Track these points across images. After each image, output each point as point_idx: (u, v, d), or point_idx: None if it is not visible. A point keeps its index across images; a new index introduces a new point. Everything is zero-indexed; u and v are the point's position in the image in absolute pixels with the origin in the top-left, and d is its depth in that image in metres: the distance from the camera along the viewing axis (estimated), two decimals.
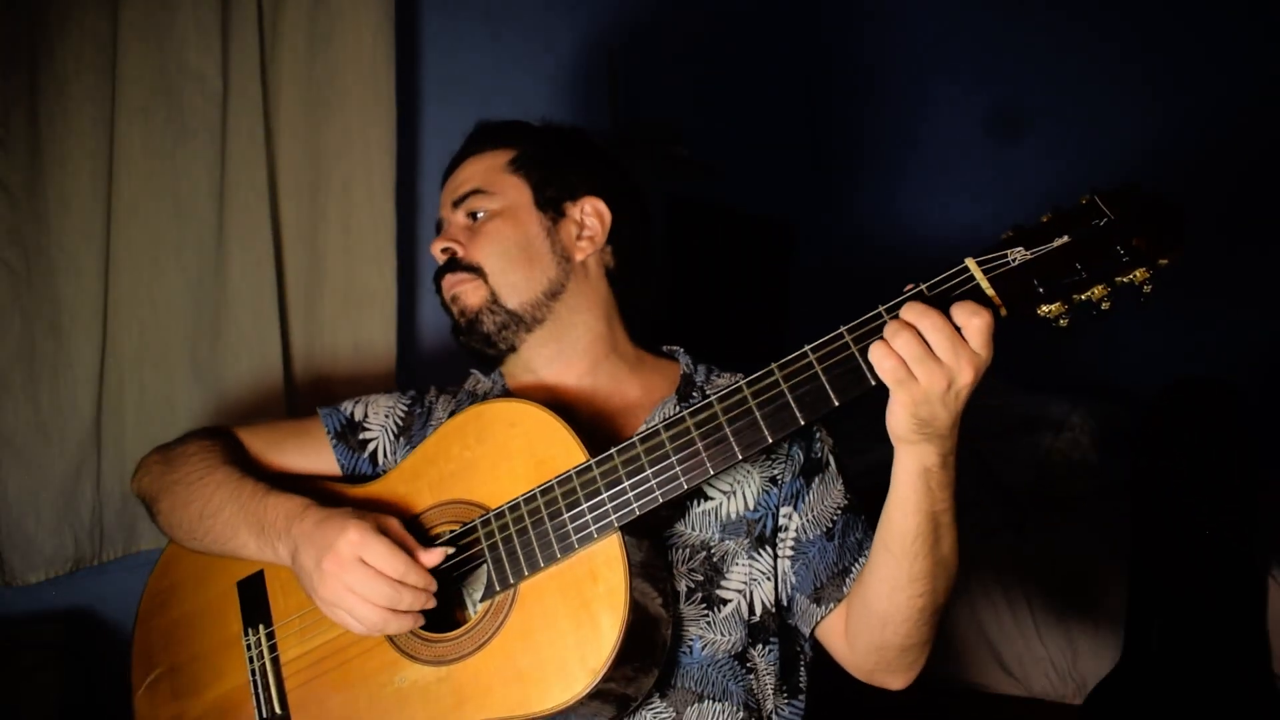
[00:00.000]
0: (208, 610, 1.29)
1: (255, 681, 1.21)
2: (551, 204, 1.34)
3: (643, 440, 1.09)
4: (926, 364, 0.94)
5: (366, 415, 1.40)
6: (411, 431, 1.38)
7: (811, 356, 1.02)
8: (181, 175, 1.72)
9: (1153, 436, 2.45)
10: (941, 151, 4.15)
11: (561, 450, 1.13)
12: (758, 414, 1.04)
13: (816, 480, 1.27)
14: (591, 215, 1.35)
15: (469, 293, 1.32)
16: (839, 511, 1.25)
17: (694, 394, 1.32)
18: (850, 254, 4.21)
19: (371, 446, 1.38)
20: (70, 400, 1.64)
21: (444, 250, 1.34)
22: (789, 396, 1.03)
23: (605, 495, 1.09)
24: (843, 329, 1.01)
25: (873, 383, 0.98)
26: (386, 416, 1.39)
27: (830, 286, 4.12)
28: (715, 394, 1.07)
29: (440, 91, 2.21)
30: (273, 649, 1.22)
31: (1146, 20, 3.69)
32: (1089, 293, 0.94)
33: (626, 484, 1.08)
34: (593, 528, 1.09)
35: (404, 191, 2.04)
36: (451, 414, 1.33)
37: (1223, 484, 2.57)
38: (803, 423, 1.02)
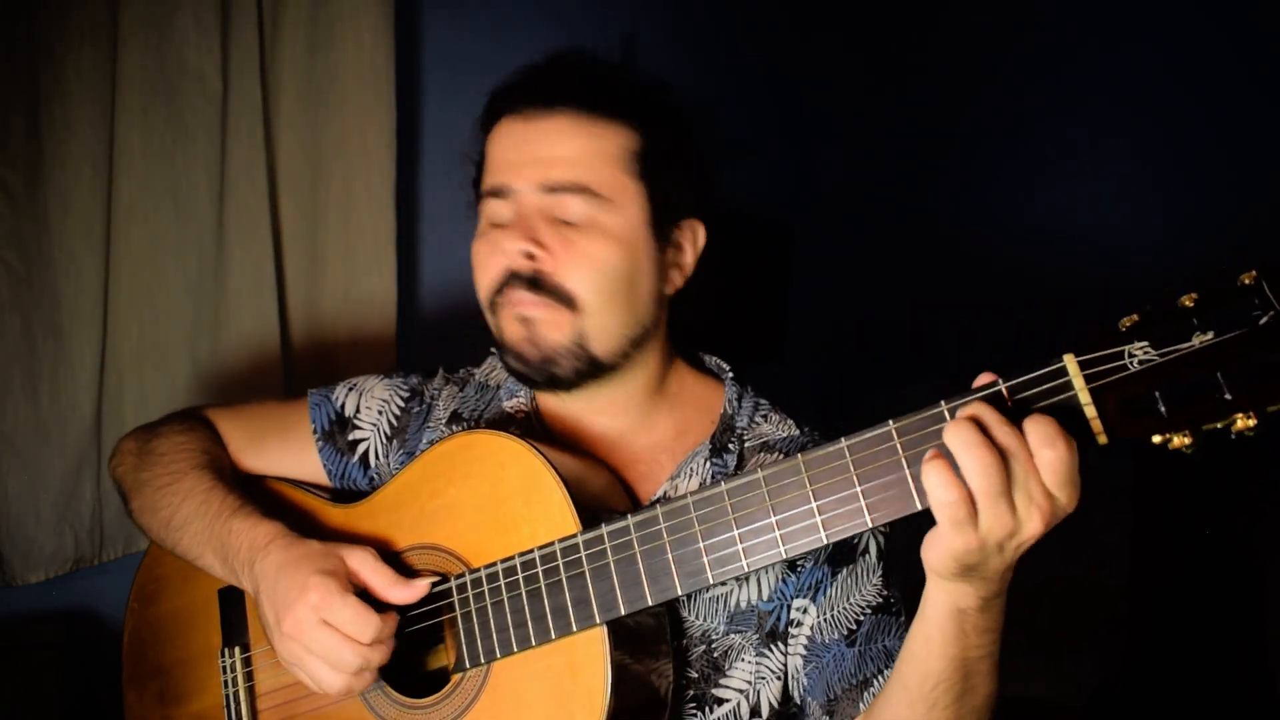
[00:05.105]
0: (193, 613, 1.25)
1: (229, 709, 1.18)
2: (661, 228, 1.08)
3: (638, 525, 0.94)
4: (1001, 504, 0.73)
5: (359, 409, 1.26)
6: (406, 434, 1.25)
7: (849, 457, 0.83)
8: (181, 175, 1.71)
9: None
10: (952, 152, 4.13)
11: (554, 511, 1.00)
12: (778, 530, 0.86)
13: (845, 570, 1.07)
14: (689, 241, 1.12)
15: (550, 325, 1.06)
16: (867, 612, 1.05)
17: (730, 444, 1.14)
18: (855, 255, 4.20)
19: (362, 448, 1.25)
20: (70, 400, 1.64)
21: (526, 254, 1.04)
22: (813, 503, 0.85)
23: (590, 582, 0.95)
24: (890, 425, 0.81)
25: (919, 507, 0.79)
26: (380, 413, 1.25)
27: (831, 288, 4.11)
28: (698, 496, 0.91)
29: (440, 91, 2.21)
30: (248, 675, 1.18)
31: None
32: (1229, 421, 0.69)
33: (614, 575, 0.94)
34: (572, 618, 0.96)
35: (404, 191, 2.04)
36: (453, 413, 1.26)
37: (1223, 486, 2.57)
38: (825, 541, 0.85)
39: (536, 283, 1.05)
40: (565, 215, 1.05)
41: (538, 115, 1.06)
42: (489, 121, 1.14)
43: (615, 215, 1.05)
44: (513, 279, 1.06)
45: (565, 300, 1.05)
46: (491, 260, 1.09)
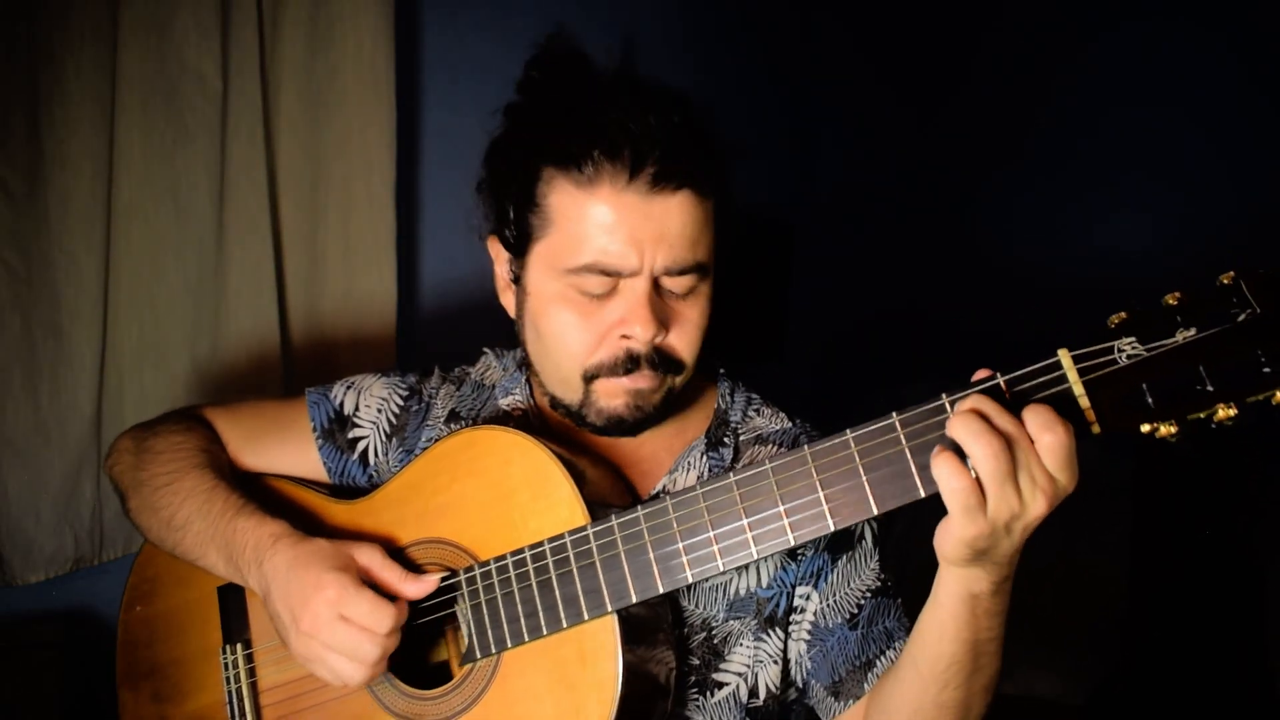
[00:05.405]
0: (189, 612, 1.24)
1: (231, 706, 1.18)
2: (718, 267, 1.12)
3: (648, 516, 0.97)
4: (1008, 487, 0.78)
5: (357, 407, 1.27)
6: (406, 432, 1.25)
7: (854, 447, 0.86)
8: (181, 175, 1.72)
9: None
10: (956, 151, 4.13)
11: (562, 505, 1.02)
12: (786, 519, 0.89)
13: (844, 558, 1.11)
14: None
15: (655, 391, 1.09)
16: (867, 595, 1.10)
17: (725, 438, 1.18)
18: (855, 255, 4.21)
19: (362, 446, 1.26)
20: (70, 400, 1.64)
21: (654, 338, 1.04)
22: (820, 492, 0.88)
23: (600, 571, 0.97)
24: (894, 416, 0.85)
25: (922, 494, 0.84)
26: (379, 411, 1.26)
27: (831, 288, 4.12)
28: (708, 487, 0.93)
29: (440, 91, 2.21)
30: (250, 672, 1.18)
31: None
32: (1211, 411, 0.74)
33: (625, 564, 0.96)
34: (584, 607, 0.98)
35: (404, 191, 2.04)
36: (451, 412, 1.26)
37: (1223, 484, 2.57)
38: (832, 529, 0.89)
39: (656, 361, 1.06)
40: (676, 289, 1.06)
41: (656, 194, 1.01)
42: (553, 164, 1.05)
43: (709, 278, 1.09)
44: (638, 360, 1.06)
45: (675, 369, 1.08)
46: (592, 336, 1.06)
